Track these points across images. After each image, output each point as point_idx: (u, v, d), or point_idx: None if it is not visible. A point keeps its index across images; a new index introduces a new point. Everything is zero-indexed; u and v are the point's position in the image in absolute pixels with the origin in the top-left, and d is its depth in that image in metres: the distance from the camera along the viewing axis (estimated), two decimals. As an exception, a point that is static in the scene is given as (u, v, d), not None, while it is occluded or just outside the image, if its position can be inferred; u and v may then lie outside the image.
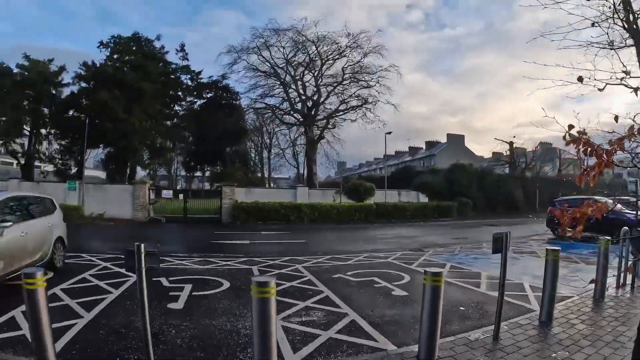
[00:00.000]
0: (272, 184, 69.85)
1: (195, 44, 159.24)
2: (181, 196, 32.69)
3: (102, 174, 61.97)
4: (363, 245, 18.25)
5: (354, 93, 47.84)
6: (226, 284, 10.20)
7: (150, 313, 7.68)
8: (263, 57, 48.61)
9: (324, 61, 47.71)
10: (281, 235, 22.30)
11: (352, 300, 8.85)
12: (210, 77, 53.53)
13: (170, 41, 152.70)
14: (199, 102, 54.62)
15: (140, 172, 55.71)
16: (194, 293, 9.31)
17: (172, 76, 49.80)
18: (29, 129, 47.15)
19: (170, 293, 9.21)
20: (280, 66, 48.65)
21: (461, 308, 8.42)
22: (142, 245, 4.93)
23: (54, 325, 5.62)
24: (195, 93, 53.38)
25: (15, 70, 45.89)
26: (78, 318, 7.36)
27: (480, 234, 23.80)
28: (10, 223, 8.99)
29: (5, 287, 8.92)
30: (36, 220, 10.46)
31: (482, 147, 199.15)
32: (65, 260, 11.91)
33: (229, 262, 13.10)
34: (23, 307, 7.76)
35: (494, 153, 67.30)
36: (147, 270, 5.02)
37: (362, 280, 10.91)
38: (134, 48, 46.81)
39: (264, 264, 12.86)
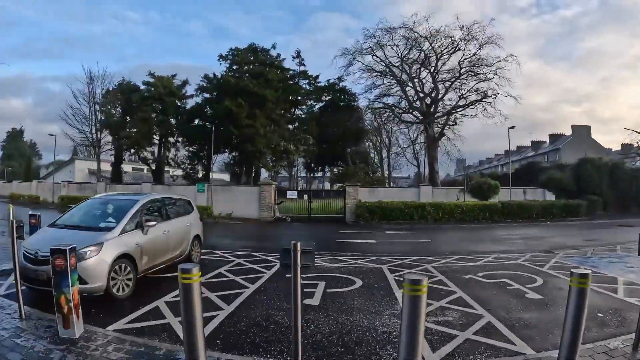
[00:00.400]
0: (392, 184, 69.16)
1: (306, 50, 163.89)
2: (305, 196, 33.07)
3: (225, 177, 65.34)
4: (490, 246, 17.36)
5: (472, 87, 44.87)
6: (358, 282, 10.05)
7: (287, 308, 7.80)
8: (377, 57, 47.55)
9: (439, 56, 45.60)
10: (406, 234, 21.87)
11: (486, 302, 8.36)
12: (328, 80, 54.59)
13: (282, 49, 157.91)
14: (318, 105, 55.94)
15: (263, 174, 57.53)
16: (328, 290, 9.26)
17: (291, 82, 51.22)
18: (158, 138, 51.10)
19: (305, 289, 9.23)
20: (396, 65, 47.27)
21: (599, 314, 7.58)
22: (299, 244, 4.87)
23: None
24: (313, 97, 54.58)
25: (142, 87, 50.59)
26: (219, 310, 7.57)
27: (612, 235, 21.59)
28: (155, 222, 9.70)
29: (148, 280, 9.57)
30: (176, 220, 11.13)
31: (609, 139, 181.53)
32: (201, 257, 12.47)
33: (357, 261, 12.96)
34: (166, 298, 8.25)
35: (623, 145, 62.04)
36: (302, 267, 4.95)
37: (493, 281, 10.29)
38: (252, 58, 48.74)
39: (392, 263, 12.55)
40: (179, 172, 51.68)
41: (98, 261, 7.81)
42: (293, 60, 53.42)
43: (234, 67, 48.90)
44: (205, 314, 7.03)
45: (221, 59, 49.78)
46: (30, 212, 13.04)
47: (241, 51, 49.43)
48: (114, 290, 8.12)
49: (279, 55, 50.85)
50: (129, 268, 8.53)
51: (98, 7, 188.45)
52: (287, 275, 10.15)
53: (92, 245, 7.87)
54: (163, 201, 11.16)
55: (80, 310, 6.18)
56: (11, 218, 17.17)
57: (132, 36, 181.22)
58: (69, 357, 5.38)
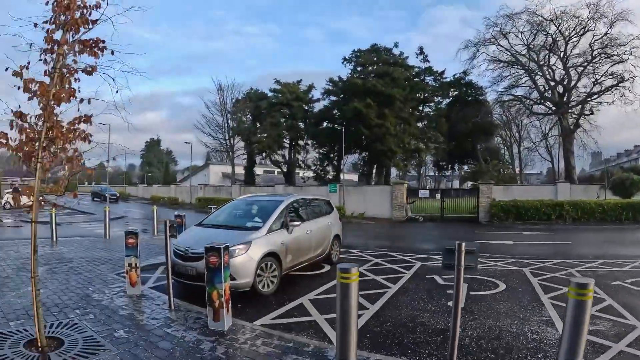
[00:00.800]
0: (523, 181, 65.38)
1: (427, 46, 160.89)
2: (438, 195, 32.33)
3: (353, 177, 65.97)
4: (636, 250, 15.62)
5: (607, 71, 40.24)
6: (502, 285, 9.66)
7: (432, 309, 7.66)
8: (501, 46, 45.04)
9: (567, 40, 41.83)
10: (544, 235, 20.52)
11: (638, 312, 7.61)
12: (454, 75, 53.22)
13: (403, 47, 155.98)
14: (445, 102, 54.60)
15: (391, 174, 57.19)
16: (471, 292, 9.01)
17: (417, 79, 50.53)
18: (288, 142, 52.98)
19: (447, 291, 9.01)
20: (522, 53, 44.48)
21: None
22: (463, 244, 4.80)
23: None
24: (440, 93, 53.25)
25: (270, 94, 52.87)
26: (364, 309, 7.63)
27: None
28: (299, 222, 10.14)
29: (291, 278, 10.00)
30: (318, 220, 11.48)
31: None
32: (340, 255, 12.65)
33: (497, 263, 12.44)
34: (310, 295, 8.56)
35: None
36: (465, 269, 4.83)
37: (645, 290, 9.35)
38: (375, 58, 48.85)
39: (533, 266, 11.91)
40: (310, 174, 53.18)
41: (246, 259, 8.30)
42: (417, 57, 52.85)
43: (358, 68, 49.39)
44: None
45: (345, 62, 50.65)
46: (175, 213, 14.11)
47: (364, 52, 49.76)
48: (260, 287, 8.57)
49: (401, 53, 50.61)
50: (274, 266, 8.95)
51: (218, 26, 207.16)
52: (426, 276, 10.05)
53: (240, 244, 8.37)
54: (305, 202, 11.63)
55: (230, 304, 6.56)
56: (155, 218, 18.68)
57: (253, 48, 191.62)
58: (218, 349, 5.68)
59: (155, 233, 18.84)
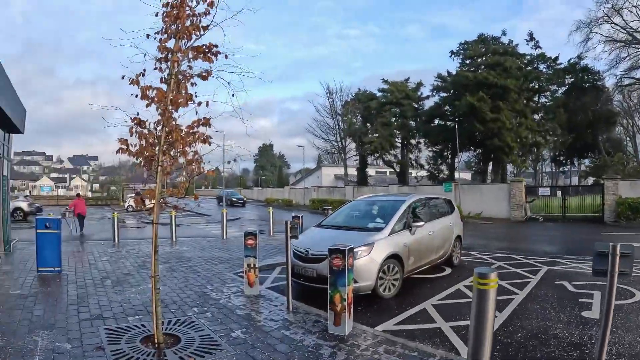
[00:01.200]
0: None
1: (534, 31, 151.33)
2: (558, 193, 30.39)
3: (466, 175, 63.70)
4: None
5: None
6: (638, 294, 8.54)
7: (565, 320, 6.99)
8: (615, 24, 40.95)
9: None
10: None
11: None
12: (568, 60, 48.20)
13: (510, 35, 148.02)
14: (560, 90, 50.12)
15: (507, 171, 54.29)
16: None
17: (529, 67, 47.04)
18: (399, 141, 52.13)
19: (579, 299, 8.19)
20: (638, 30, 40.19)
21: None
22: (618, 246, 4.30)
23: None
24: (555, 81, 48.90)
25: (378, 94, 52.42)
26: (491, 317, 7.07)
27: None
28: (422, 223, 9.70)
29: (412, 281, 9.59)
30: (440, 220, 11.03)
31: None
32: (460, 258, 12.10)
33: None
34: (432, 300, 8.13)
35: None
36: (619, 275, 4.35)
37: None
38: (483, 49, 46.14)
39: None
40: (423, 173, 52.07)
41: (369, 261, 8.06)
42: (527, 44, 48.63)
43: (467, 61, 47.06)
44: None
45: (453, 55, 48.44)
46: (293, 214, 14.13)
47: (471, 44, 47.36)
48: (381, 290, 8.28)
49: (510, 41, 47.00)
50: (396, 268, 8.61)
51: (320, 31, 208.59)
52: (555, 282, 9.30)
53: (363, 245, 8.14)
54: (427, 201, 11.20)
55: (352, 308, 6.33)
56: (271, 219, 18.99)
57: (356, 51, 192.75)
58: (338, 354, 5.45)
59: (272, 234, 19.12)
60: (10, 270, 10.64)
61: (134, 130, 5.53)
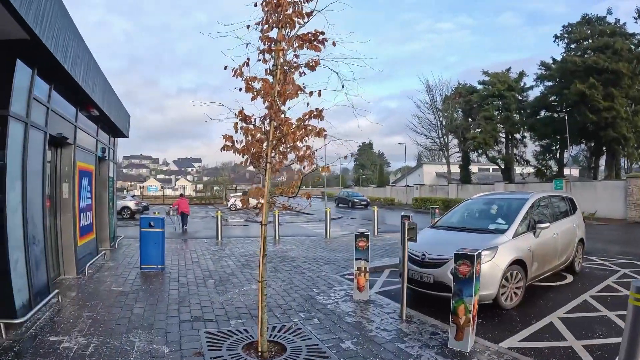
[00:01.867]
0: None
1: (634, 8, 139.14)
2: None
3: (573, 171, 59.42)
4: None
5: None
6: None
7: None
8: None
9: None
10: None
11: None
12: None
13: (615, 13, 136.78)
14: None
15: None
16: None
17: (640, 48, 42.23)
18: (503, 136, 49.42)
19: None
20: None
21: None
22: None
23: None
24: None
25: (479, 87, 50.08)
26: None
27: None
28: (548, 224, 8.66)
29: (532, 289, 8.61)
30: (563, 221, 9.89)
31: None
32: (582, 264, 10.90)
33: None
34: (559, 313, 7.25)
35: None
36: None
37: None
38: (588, 31, 41.92)
39: None
40: (529, 169, 49.07)
41: (492, 266, 7.26)
42: (635, 22, 43.65)
43: (572, 45, 43.01)
44: (611, 340, 5.79)
45: (557, 39, 44.23)
46: (402, 213, 13.61)
47: (574, 26, 42.87)
48: (502, 300, 7.48)
49: (617, 20, 41.95)
50: (519, 275, 7.76)
51: (411, 27, 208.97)
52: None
53: (486, 249, 7.29)
54: (550, 199, 10.03)
55: (475, 321, 5.68)
56: (375, 219, 18.40)
57: (450, 44, 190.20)
58: (462, 376, 4.81)
59: (376, 234, 18.64)
60: (114, 266, 10.90)
61: (238, 126, 5.19)
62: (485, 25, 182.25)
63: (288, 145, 5.11)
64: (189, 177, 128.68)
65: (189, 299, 7.82)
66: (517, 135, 49.16)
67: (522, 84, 49.04)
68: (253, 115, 5.24)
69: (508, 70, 49.62)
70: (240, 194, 47.68)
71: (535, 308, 7.58)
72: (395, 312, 7.08)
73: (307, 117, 5.12)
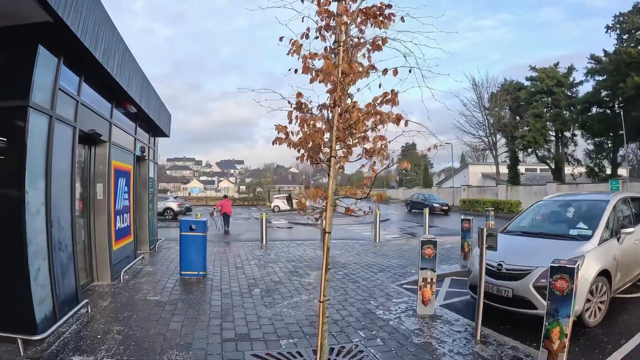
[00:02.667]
0: None
1: None
2: None
3: (621, 171, 56.42)
4: None
5: None
6: None
7: None
8: None
9: None
10: None
11: None
12: None
13: None
14: None
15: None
16: None
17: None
18: (553, 134, 47.30)
19: None
20: None
21: None
22: None
23: None
24: None
25: (526, 83, 48.45)
26: None
27: None
28: (632, 229, 7.46)
29: (620, 301, 7.57)
30: None
31: None
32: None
33: None
34: None
35: None
36: None
37: None
38: None
39: None
40: (580, 169, 46.66)
41: (579, 278, 6.07)
42: None
43: (624, 36, 40.24)
44: None
45: (609, 30, 41.44)
46: (462, 217, 12.59)
47: (627, 15, 40.30)
48: (586, 316, 6.35)
49: None
50: (604, 288, 6.63)
51: (451, 24, 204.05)
52: None
53: (572, 259, 6.11)
54: (630, 201, 8.59)
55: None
56: (426, 222, 17.32)
57: (492, 41, 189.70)
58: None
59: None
60: (152, 271, 10.18)
61: (293, 115, 4.30)
62: (527, 21, 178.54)
63: (357, 136, 4.18)
64: (232, 179, 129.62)
65: (232, 312, 6.99)
66: (567, 134, 46.98)
67: (571, 79, 47.08)
68: (311, 102, 4.36)
69: (556, 65, 47.65)
70: (284, 195, 47.20)
71: (620, 325, 6.48)
72: (466, 331, 6.12)
73: (378, 100, 4.16)
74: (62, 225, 6.23)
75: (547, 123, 45.90)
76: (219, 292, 8.30)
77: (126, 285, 8.62)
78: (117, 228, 9.36)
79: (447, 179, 74.49)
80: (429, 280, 6.97)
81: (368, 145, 4.19)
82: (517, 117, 49.01)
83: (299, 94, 4.30)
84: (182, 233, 9.58)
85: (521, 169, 56.71)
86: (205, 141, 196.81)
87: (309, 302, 7.59)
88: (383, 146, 4.16)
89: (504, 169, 51.93)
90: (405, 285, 9.00)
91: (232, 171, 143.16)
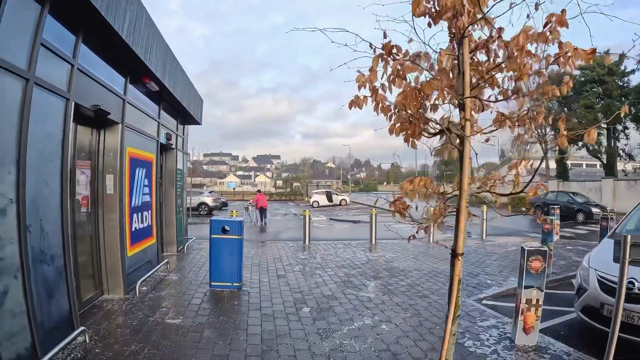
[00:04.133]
0: None
1: None
2: None
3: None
4: None
5: None
6: None
7: None
8: None
9: None
10: None
11: None
12: None
13: None
14: None
15: None
16: None
17: None
18: (605, 127, 44.37)
19: None
20: None
21: None
22: None
23: None
24: None
25: (574, 72, 44.51)
26: None
27: None
28: None
29: None
30: None
31: None
32: None
33: None
34: None
35: None
36: None
37: None
38: None
39: None
40: (636, 164, 43.53)
41: None
42: None
43: None
44: None
45: None
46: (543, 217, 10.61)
47: None
48: None
49: None
50: None
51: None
52: None
53: None
54: None
55: None
56: (484, 221, 15.32)
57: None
58: None
59: (484, 237, 15.90)
60: (177, 281, 8.50)
61: (380, 66, 2.57)
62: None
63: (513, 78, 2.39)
64: (268, 174, 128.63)
65: (277, 344, 5.27)
66: (619, 127, 43.89)
67: (623, 67, 43.73)
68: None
69: (607, 52, 44.38)
70: (323, 191, 45.54)
71: None
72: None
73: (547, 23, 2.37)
74: (46, 230, 4.60)
75: (598, 115, 43.00)
76: (257, 311, 6.58)
77: (142, 301, 6.94)
78: (133, 229, 7.72)
79: (488, 174, 71.11)
80: (534, 301, 5.25)
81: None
82: (565, 109, 46.02)
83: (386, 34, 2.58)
84: (212, 236, 7.82)
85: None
86: (242, 137, 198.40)
87: (375, 329, 5.81)
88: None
89: (550, 164, 49.12)
90: (485, 302, 7.31)
91: (268, 166, 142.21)
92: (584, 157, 54.57)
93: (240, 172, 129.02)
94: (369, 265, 10.18)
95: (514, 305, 5.49)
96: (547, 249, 5.35)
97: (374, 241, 14.42)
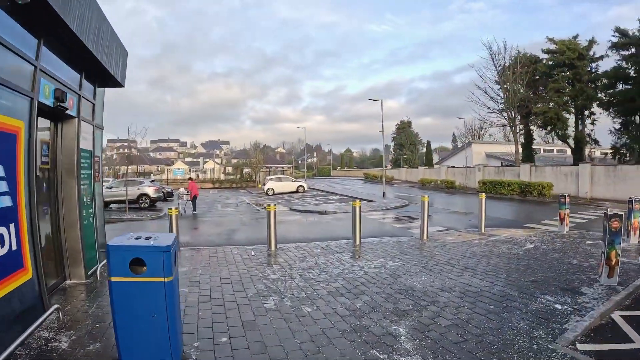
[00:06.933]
0: None
1: None
2: None
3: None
4: None
5: None
6: None
7: None
8: None
9: None
10: None
11: None
12: None
13: None
14: None
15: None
16: None
17: None
18: (573, 112, 43.07)
19: None
20: None
21: None
22: None
23: None
24: None
25: (542, 56, 44.52)
26: None
27: None
28: None
29: None
30: None
31: None
32: None
33: None
34: None
35: None
36: None
37: None
38: None
39: None
40: (605, 150, 42.37)
41: None
42: None
43: None
44: None
45: None
46: (608, 212, 7.11)
47: None
48: None
49: None
50: None
51: (442, 7, 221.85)
52: None
53: None
54: None
55: None
56: (483, 210, 12.02)
57: (483, 24, 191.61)
58: None
59: (483, 230, 13.08)
60: (68, 354, 4.61)
61: None
62: (519, 4, 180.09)
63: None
64: (217, 160, 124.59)
65: None
66: (586, 112, 42.79)
67: (592, 52, 42.46)
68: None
69: (575, 37, 42.83)
70: (278, 177, 41.94)
71: None
72: None
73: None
74: None
75: (567, 99, 41.44)
76: None
77: None
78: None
79: (444, 159, 72.28)
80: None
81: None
82: (531, 94, 44.25)
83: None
84: (112, 279, 3.96)
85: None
86: (193, 123, 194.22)
87: None
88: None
89: (510, 149, 48.32)
90: (581, 347, 4.37)
91: (217, 152, 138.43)
92: (548, 141, 53.54)
93: (189, 159, 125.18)
94: (374, 288, 6.86)
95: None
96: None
97: (357, 241, 11.02)
